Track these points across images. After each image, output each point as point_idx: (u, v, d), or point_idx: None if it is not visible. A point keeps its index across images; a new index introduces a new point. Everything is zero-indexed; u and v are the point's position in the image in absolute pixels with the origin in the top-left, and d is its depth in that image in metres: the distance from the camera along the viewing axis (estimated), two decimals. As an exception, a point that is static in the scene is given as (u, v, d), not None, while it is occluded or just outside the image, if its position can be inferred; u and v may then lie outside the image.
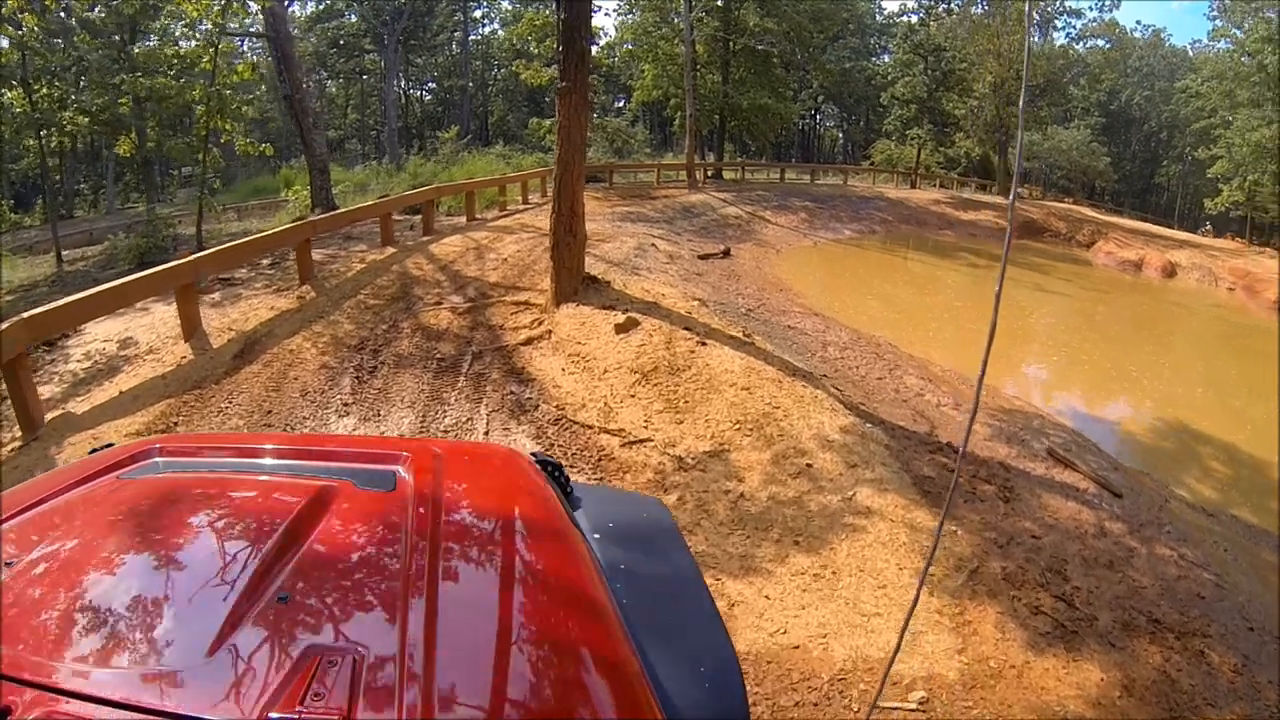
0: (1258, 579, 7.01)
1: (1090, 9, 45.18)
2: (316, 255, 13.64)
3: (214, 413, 7.85)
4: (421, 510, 1.54)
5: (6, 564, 1.34)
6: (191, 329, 9.81)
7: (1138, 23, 75.15)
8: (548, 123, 32.81)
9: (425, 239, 16.60)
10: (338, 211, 16.37)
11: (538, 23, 29.46)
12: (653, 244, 18.13)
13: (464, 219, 19.86)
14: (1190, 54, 55.71)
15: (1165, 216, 52.15)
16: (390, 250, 15.12)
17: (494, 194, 22.51)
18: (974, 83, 43.13)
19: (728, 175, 37.04)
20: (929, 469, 7.14)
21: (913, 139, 44.99)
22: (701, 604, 1.66)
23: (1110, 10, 45.94)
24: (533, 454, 2.04)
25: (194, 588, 1.33)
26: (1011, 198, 2.08)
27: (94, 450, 1.97)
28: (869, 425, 7.82)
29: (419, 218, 18.56)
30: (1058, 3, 44.28)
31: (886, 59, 54.80)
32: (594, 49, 46.04)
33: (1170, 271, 32.45)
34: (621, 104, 52.02)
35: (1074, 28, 45.95)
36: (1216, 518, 8.62)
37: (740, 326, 10.71)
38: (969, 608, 5.13)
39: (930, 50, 42.91)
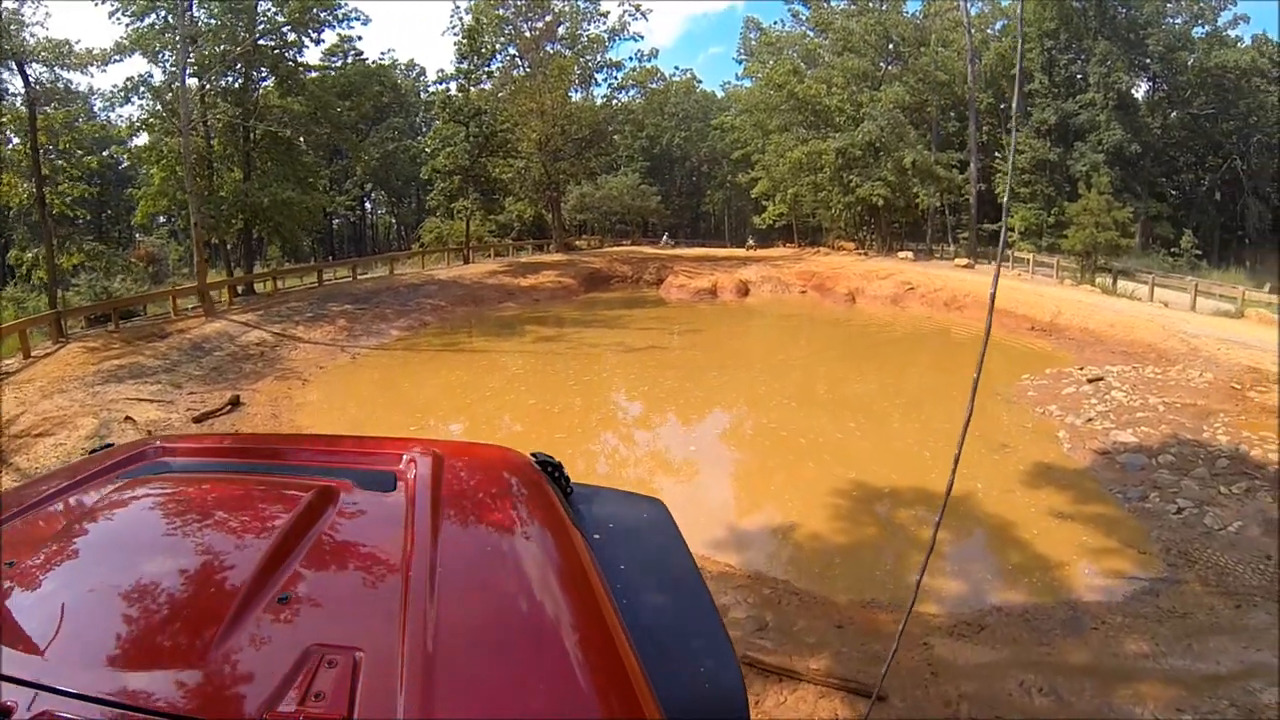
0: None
1: (630, 60, 46.42)
2: None
3: None
4: (422, 510, 1.54)
5: (7, 564, 1.33)
6: None
7: (676, 68, 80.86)
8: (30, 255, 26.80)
9: None
10: None
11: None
12: (128, 416, 14.25)
13: None
14: (719, 95, 61.06)
15: (717, 238, 56.59)
16: None
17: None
18: (519, 143, 42.41)
19: (263, 288, 31.48)
20: None
21: (460, 211, 42.92)
22: (701, 604, 1.62)
23: (649, 60, 47.51)
24: (533, 454, 2.00)
25: (194, 588, 1.31)
26: (995, 273, 2.36)
27: (94, 450, 1.97)
28: None
29: None
30: (598, 56, 45.16)
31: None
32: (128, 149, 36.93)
33: (744, 290, 34.21)
34: (163, 221, 44.01)
35: (615, 78, 46.72)
36: (991, 633, 6.95)
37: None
38: None
39: (470, 115, 41.32)
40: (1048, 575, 8.24)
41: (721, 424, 15.53)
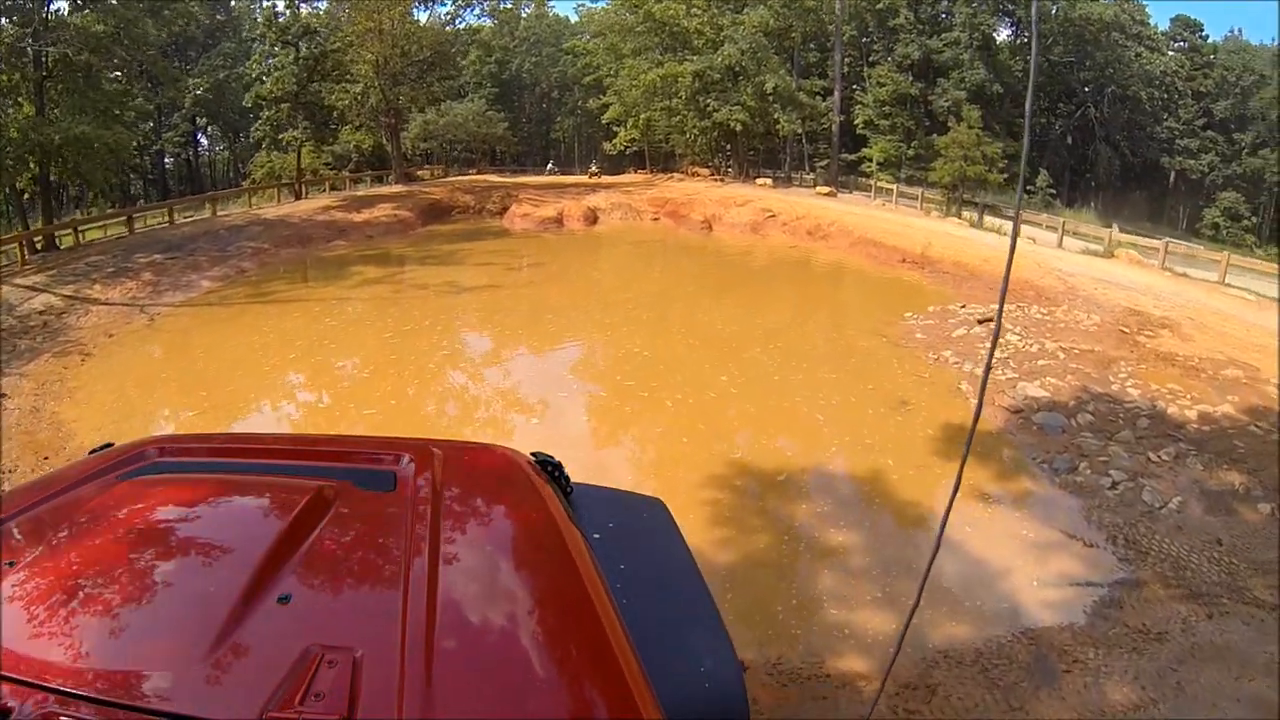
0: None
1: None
2: None
3: None
4: (421, 510, 1.52)
5: (7, 564, 1.32)
6: None
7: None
8: None
9: None
10: None
11: None
12: None
13: None
14: (573, 19, 58.30)
15: (566, 165, 54.35)
16: None
17: None
18: (354, 65, 38.43)
19: (67, 242, 26.12)
20: None
21: (289, 143, 38.74)
22: (702, 604, 1.61)
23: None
24: (533, 454, 1.95)
25: (194, 588, 1.31)
26: (1012, 241, 2.14)
27: (94, 450, 1.94)
28: None
29: None
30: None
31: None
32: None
33: (593, 219, 32.89)
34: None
35: (461, -1, 43.45)
36: (945, 700, 5.36)
37: None
38: None
39: (300, 35, 36.81)
40: (992, 590, 6.52)
41: (569, 384, 12.97)
